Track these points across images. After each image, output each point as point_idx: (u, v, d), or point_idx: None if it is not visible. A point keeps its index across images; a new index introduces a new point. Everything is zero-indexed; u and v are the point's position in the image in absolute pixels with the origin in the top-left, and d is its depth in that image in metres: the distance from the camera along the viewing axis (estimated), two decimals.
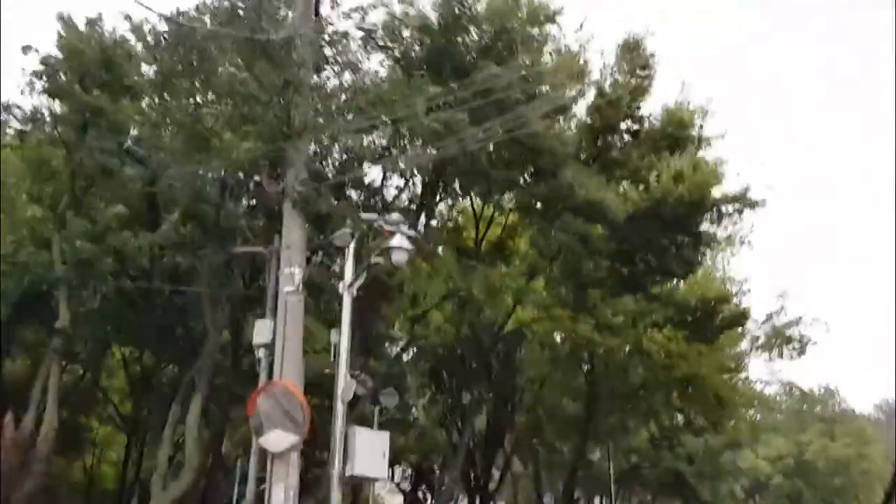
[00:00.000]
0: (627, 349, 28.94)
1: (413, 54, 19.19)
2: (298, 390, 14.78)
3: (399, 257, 14.62)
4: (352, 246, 15.67)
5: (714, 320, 27.47)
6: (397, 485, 44.22)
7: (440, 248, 24.07)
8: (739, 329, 30.74)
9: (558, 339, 30.78)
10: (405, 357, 26.80)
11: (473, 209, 25.64)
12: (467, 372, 28.29)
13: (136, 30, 18.64)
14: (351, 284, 15.39)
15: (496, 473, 36.13)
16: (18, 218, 20.63)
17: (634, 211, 20.79)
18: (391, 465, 44.58)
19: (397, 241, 14.61)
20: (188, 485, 19.08)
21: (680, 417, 37.47)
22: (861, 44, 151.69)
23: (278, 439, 14.43)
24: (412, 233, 15.21)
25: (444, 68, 18.47)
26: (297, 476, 14.61)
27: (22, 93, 19.85)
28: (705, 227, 22.90)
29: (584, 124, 22.86)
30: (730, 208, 22.49)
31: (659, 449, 40.08)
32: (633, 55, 22.92)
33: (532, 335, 30.01)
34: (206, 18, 17.31)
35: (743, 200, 22.59)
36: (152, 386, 29.82)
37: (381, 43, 18.93)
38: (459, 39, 18.72)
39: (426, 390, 34.58)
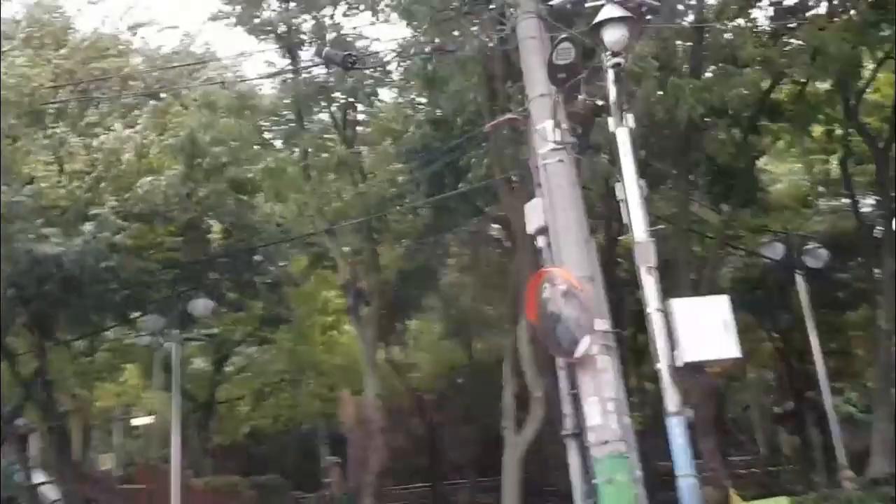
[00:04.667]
0: None
1: None
2: (573, 274, 10.61)
3: (613, 35, 9.89)
4: (610, 68, 11.04)
5: None
6: None
7: None
8: None
9: None
10: None
11: None
12: None
13: None
14: (619, 112, 10.87)
15: None
16: None
17: None
18: None
19: (606, 11, 9.89)
20: (539, 422, 15.83)
21: None
22: None
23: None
24: None
25: None
26: (614, 384, 10.51)
27: None
28: None
29: None
30: None
31: None
32: None
33: None
34: None
35: None
36: None
37: None
38: None
39: None
